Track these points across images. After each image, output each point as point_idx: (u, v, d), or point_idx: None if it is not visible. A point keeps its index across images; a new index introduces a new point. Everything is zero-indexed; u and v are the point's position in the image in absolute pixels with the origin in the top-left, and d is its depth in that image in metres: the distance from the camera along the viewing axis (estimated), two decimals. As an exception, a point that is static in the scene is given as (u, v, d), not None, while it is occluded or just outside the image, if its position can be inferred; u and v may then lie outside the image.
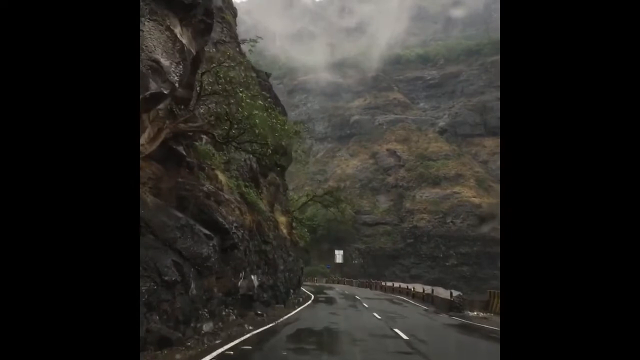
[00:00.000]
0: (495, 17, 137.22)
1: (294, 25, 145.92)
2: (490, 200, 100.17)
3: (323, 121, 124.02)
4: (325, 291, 45.28)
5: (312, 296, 35.81)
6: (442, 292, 30.39)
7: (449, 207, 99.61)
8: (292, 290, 28.63)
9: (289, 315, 20.87)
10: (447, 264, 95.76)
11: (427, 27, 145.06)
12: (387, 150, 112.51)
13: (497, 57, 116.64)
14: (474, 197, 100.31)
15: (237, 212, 19.21)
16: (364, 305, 27.56)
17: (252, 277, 22.20)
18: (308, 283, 65.49)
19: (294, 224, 33.17)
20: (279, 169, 29.89)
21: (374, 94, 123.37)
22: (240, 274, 20.09)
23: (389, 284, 48.33)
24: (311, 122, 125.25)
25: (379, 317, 20.66)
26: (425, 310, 26.66)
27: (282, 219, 27.74)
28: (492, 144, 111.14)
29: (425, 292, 32.92)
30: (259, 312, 19.48)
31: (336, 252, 75.68)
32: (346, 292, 44.83)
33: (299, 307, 25.84)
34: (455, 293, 26.16)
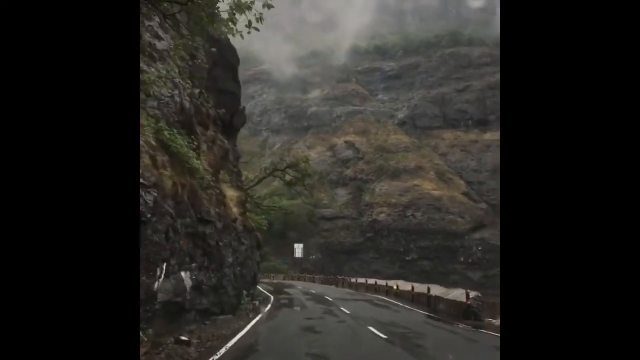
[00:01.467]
0: (451, 9, 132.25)
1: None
2: (450, 193, 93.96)
3: (279, 113, 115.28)
4: (286, 290, 36.52)
5: (272, 297, 27.30)
6: (439, 291, 22.57)
7: (409, 200, 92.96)
8: (245, 292, 20.06)
9: (238, 336, 12.35)
10: (407, 258, 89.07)
11: (385, 20, 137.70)
12: (346, 142, 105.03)
13: (455, 49, 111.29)
14: (434, 189, 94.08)
15: (148, 161, 10.66)
16: (343, 311, 19.35)
17: (183, 274, 13.78)
18: (265, 280, 56.74)
19: (248, 205, 24.55)
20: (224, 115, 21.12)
21: (332, 85, 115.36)
22: (158, 270, 11.70)
23: (361, 280, 39.79)
24: (267, 114, 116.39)
25: (382, 335, 12.55)
26: (430, 317, 18.64)
27: (231, 194, 19.24)
28: (451, 136, 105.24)
29: (416, 290, 24.81)
30: (184, 337, 10.89)
31: (295, 245, 66.79)
32: (312, 290, 36.16)
33: (256, 316, 17.40)
34: (472, 294, 18.12)
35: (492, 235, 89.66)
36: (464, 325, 15.84)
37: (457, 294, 19.36)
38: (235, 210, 19.00)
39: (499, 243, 3.40)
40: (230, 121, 22.49)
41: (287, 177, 31.82)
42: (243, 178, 26.52)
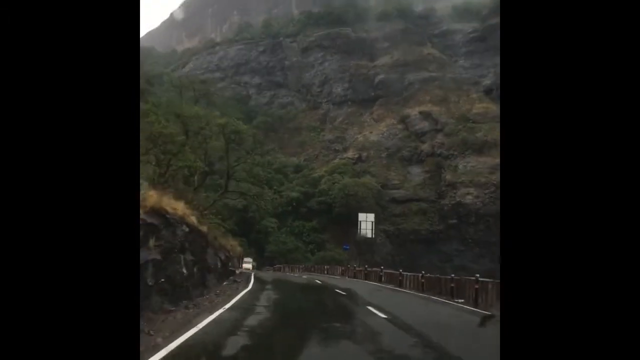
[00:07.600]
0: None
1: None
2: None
3: (342, 82, 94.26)
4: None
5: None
6: None
7: (503, 179, 68.46)
8: None
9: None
10: (501, 251, 65.39)
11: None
12: (421, 112, 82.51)
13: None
14: (535, 166, 68.95)
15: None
16: None
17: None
18: (290, 278, 35.00)
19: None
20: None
21: (403, 49, 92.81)
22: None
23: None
24: (328, 84, 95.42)
25: None
26: None
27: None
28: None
29: None
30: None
31: (361, 217, 43.85)
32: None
33: None
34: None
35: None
36: None
37: None
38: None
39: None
40: None
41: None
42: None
